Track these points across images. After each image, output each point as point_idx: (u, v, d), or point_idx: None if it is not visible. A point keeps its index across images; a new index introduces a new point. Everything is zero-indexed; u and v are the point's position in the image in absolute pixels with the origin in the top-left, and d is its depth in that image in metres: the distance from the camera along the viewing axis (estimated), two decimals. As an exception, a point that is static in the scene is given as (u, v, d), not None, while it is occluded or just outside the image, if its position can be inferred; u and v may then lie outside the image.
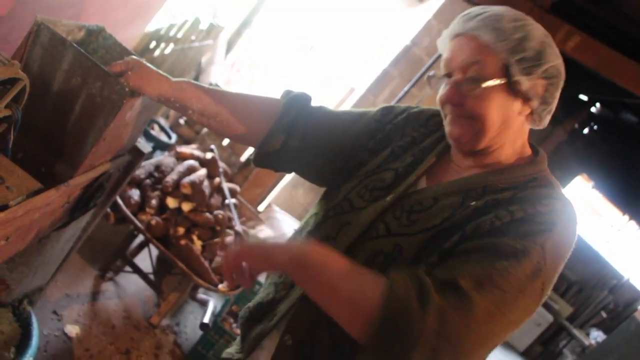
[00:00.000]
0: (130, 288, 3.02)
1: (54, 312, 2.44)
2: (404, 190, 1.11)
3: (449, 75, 1.07)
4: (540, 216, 0.96)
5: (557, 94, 1.07)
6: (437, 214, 1.04)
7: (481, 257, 0.93)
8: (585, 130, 6.64)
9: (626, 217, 7.42)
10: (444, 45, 1.10)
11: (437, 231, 1.01)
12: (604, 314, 7.59)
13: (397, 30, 4.65)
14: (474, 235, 0.96)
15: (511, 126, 1.06)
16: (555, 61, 1.04)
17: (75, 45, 1.23)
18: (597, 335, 7.11)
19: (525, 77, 1.01)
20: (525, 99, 1.04)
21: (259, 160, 1.34)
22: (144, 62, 1.31)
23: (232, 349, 1.26)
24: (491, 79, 1.01)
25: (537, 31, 1.04)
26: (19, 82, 1.08)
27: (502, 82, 1.01)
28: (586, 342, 6.80)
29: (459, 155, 1.13)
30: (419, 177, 1.14)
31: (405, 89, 3.95)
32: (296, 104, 1.30)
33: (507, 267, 0.91)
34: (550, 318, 6.98)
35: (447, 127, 1.10)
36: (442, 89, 1.08)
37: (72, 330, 2.42)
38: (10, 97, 1.08)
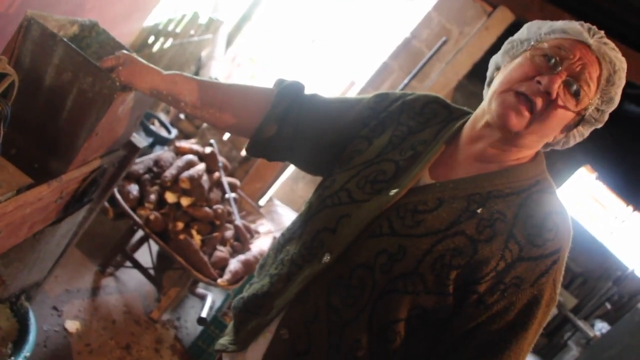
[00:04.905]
0: (131, 283, 3.02)
1: (54, 308, 2.45)
2: (409, 187, 1.08)
3: (556, 64, 1.02)
4: (548, 247, 1.00)
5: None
6: (442, 218, 1.03)
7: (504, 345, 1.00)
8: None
9: (630, 208, 7.38)
10: (565, 34, 1.05)
11: (443, 236, 1.01)
12: (608, 306, 7.56)
13: (396, 23, 4.63)
14: (492, 291, 0.98)
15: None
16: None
17: (65, 40, 1.23)
18: (601, 327, 7.08)
19: (595, 119, 1.07)
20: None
21: (252, 149, 1.32)
22: (136, 56, 1.31)
23: (224, 340, 1.25)
24: (583, 106, 1.04)
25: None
26: (7, 78, 1.08)
27: (583, 113, 1.05)
28: (591, 334, 6.77)
29: (472, 140, 1.11)
30: (421, 170, 1.11)
31: (405, 81, 3.94)
32: (289, 92, 1.29)
33: (528, 328, 1.00)
34: (554, 310, 6.94)
35: (502, 108, 1.03)
36: (540, 70, 1.02)
37: (72, 325, 2.43)
38: (-1, 93, 1.08)
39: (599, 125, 1.09)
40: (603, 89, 1.04)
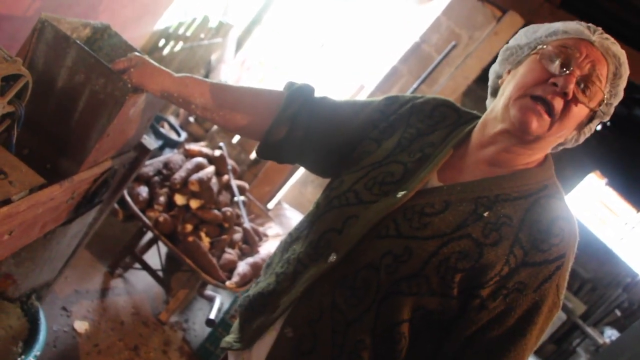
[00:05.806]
0: (139, 285, 3.04)
1: (64, 308, 2.47)
2: (417, 189, 1.09)
3: (566, 64, 1.02)
4: (553, 252, 1.00)
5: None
6: (449, 221, 1.03)
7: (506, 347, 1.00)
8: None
9: (640, 214, 7.33)
10: (567, 34, 1.06)
11: (449, 239, 1.01)
12: (618, 312, 7.50)
13: (406, 27, 4.64)
14: (494, 296, 0.99)
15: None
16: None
17: (78, 42, 1.24)
18: (611, 334, 7.02)
19: (604, 113, 1.08)
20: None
21: (262, 151, 1.33)
22: (147, 58, 1.32)
23: (230, 338, 1.26)
24: (597, 102, 1.05)
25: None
26: (22, 79, 1.09)
27: (597, 109, 1.06)
28: (600, 341, 6.72)
29: (483, 145, 1.11)
30: (430, 173, 1.11)
31: (414, 85, 3.94)
32: (299, 95, 1.30)
33: (527, 335, 1.00)
34: (563, 316, 6.90)
35: (522, 114, 1.02)
36: (553, 72, 1.02)
37: (81, 326, 2.45)
38: (13, 94, 1.09)
39: (606, 119, 1.10)
40: (612, 83, 1.06)
